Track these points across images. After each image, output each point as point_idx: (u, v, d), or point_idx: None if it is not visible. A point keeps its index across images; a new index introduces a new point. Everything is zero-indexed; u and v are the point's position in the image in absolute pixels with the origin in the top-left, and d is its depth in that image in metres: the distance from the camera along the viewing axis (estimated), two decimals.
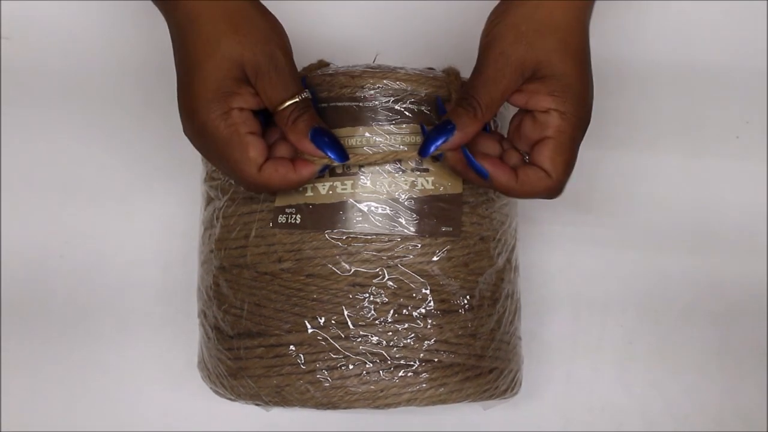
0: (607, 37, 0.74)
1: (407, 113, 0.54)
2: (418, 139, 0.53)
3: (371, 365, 0.52)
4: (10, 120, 0.72)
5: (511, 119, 0.54)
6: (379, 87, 0.54)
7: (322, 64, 0.58)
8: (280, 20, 0.52)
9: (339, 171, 0.53)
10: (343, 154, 0.50)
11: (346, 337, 0.52)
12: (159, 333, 0.69)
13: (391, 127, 0.53)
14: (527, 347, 0.67)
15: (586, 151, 0.71)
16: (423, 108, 0.54)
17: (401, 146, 0.53)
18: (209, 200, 0.59)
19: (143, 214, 0.71)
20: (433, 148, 0.50)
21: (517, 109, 0.53)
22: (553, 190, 0.51)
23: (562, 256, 0.72)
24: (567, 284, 0.71)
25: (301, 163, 0.50)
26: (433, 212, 0.53)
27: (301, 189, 0.53)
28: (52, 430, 0.68)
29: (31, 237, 0.70)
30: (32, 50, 0.73)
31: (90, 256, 0.70)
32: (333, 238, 0.53)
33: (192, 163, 0.70)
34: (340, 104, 0.54)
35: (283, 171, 0.50)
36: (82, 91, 0.72)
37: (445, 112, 0.53)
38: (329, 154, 0.50)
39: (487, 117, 0.50)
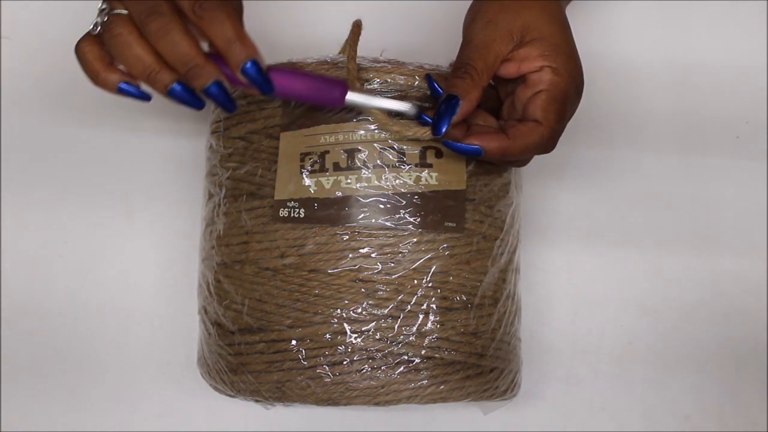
0: (608, 36, 0.74)
1: None
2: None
3: (372, 361, 0.52)
4: (10, 119, 0.72)
5: (502, 103, 0.55)
6: (385, 81, 0.54)
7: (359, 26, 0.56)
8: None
9: (343, 165, 0.53)
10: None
11: (348, 333, 0.52)
12: (159, 332, 0.69)
13: (395, 121, 0.54)
14: (527, 347, 0.67)
15: (586, 151, 0.72)
16: (427, 104, 0.54)
17: (405, 139, 0.53)
18: (210, 196, 0.59)
19: (143, 213, 0.71)
20: (445, 125, 0.50)
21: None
22: (545, 138, 0.51)
23: (562, 256, 0.72)
24: (567, 284, 0.71)
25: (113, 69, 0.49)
26: (437, 208, 0.53)
27: (306, 184, 0.53)
28: (52, 429, 0.68)
29: (31, 237, 0.70)
30: (32, 50, 0.73)
31: (90, 256, 0.70)
32: (336, 233, 0.53)
33: (192, 161, 0.70)
34: None
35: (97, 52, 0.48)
36: (82, 91, 0.72)
37: (438, 90, 0.53)
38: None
39: (484, 81, 0.50)
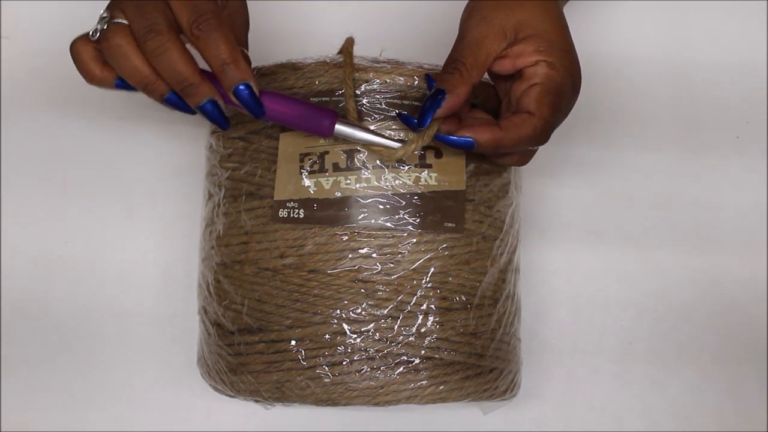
0: (608, 36, 0.74)
1: (411, 109, 0.54)
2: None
3: (372, 361, 0.52)
4: (10, 120, 0.72)
5: (502, 103, 0.55)
6: (384, 81, 0.54)
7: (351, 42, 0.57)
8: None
9: (342, 166, 0.53)
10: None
11: (347, 333, 0.52)
12: (159, 332, 0.69)
13: (393, 122, 0.54)
14: (527, 347, 0.67)
15: (586, 150, 0.72)
16: None
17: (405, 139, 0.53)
18: (210, 197, 0.59)
19: (143, 213, 0.71)
20: (429, 118, 0.50)
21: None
22: (538, 130, 0.51)
23: (562, 256, 0.72)
24: (567, 284, 0.71)
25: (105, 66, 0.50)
26: (436, 208, 0.53)
27: (306, 184, 0.53)
28: (52, 429, 0.68)
29: (31, 237, 0.70)
30: (32, 50, 0.73)
31: (90, 256, 0.70)
32: (336, 234, 0.53)
33: (192, 161, 0.70)
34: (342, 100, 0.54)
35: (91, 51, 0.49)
36: (81, 91, 0.72)
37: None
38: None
39: (474, 77, 0.50)
